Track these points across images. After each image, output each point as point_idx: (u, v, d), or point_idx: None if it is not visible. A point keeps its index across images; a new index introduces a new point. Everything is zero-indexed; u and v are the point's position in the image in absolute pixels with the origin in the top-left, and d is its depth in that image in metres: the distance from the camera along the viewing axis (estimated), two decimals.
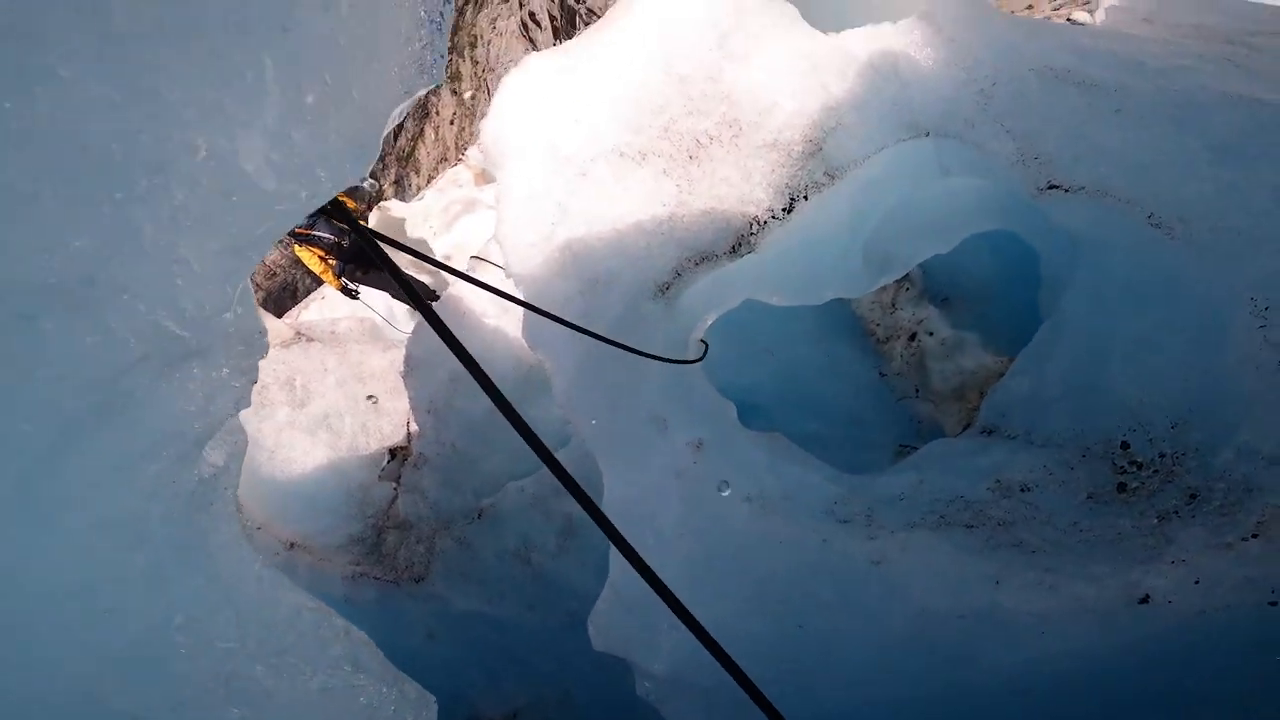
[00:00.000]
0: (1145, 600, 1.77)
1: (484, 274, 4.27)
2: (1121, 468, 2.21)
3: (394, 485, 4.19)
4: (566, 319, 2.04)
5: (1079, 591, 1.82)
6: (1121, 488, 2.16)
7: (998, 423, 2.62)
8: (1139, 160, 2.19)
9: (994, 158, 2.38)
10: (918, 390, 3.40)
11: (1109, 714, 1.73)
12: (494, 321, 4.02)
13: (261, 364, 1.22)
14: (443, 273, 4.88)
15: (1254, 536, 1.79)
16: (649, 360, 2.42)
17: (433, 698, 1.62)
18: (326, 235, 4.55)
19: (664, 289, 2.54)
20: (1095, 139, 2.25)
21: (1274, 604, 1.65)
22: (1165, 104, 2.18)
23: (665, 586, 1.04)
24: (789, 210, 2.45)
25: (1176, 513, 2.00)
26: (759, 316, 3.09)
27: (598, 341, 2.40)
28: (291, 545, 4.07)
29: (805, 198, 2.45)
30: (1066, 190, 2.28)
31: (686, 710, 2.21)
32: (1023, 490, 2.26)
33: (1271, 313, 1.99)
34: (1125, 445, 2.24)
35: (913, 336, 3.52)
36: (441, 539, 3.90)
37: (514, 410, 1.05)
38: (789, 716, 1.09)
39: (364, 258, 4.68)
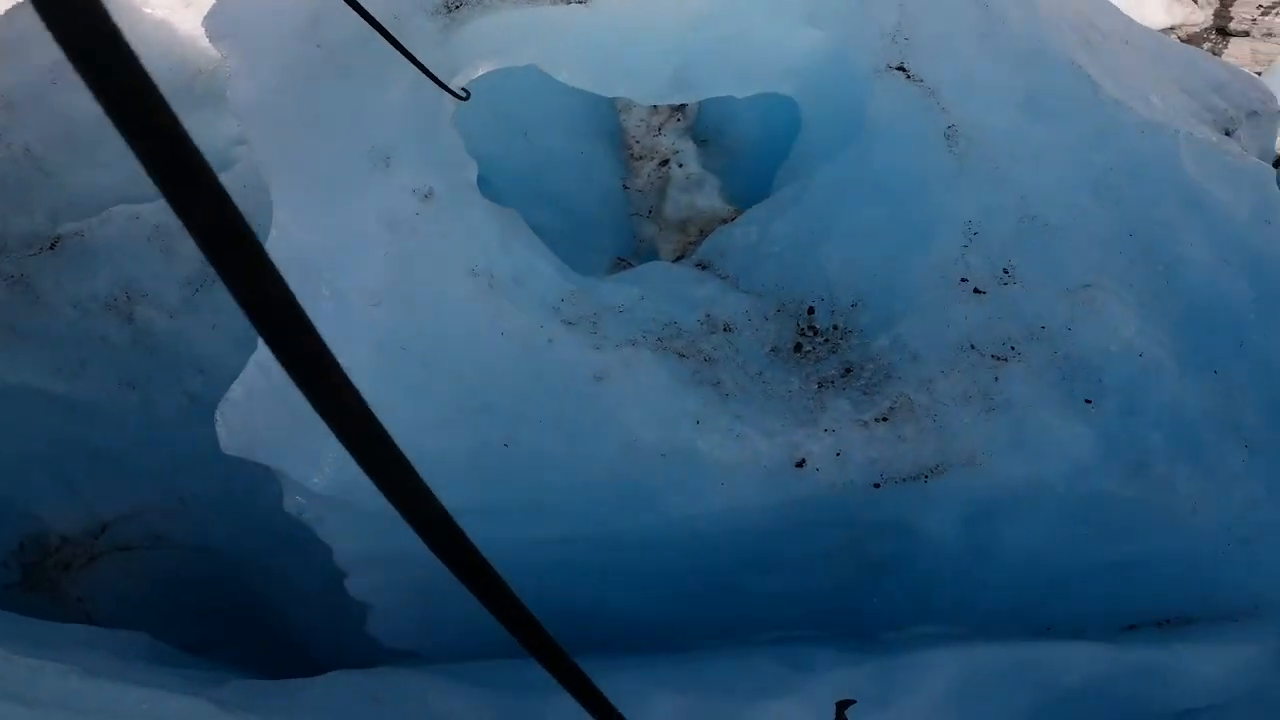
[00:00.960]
0: (801, 464, 1.98)
1: None
2: (803, 330, 2.38)
3: None
4: None
5: (757, 445, 1.95)
6: (798, 348, 2.34)
7: (714, 260, 2.60)
8: (975, 80, 2.27)
9: (870, 23, 2.27)
10: (650, 211, 3.58)
11: (750, 575, 1.97)
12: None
13: None
14: None
15: (884, 420, 2.12)
16: (386, 81, 1.94)
17: None
18: None
19: (453, 5, 2.01)
20: (961, 49, 2.28)
21: (877, 486, 2.01)
22: (1020, 44, 2.29)
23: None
24: None
25: (833, 382, 2.25)
26: (529, 89, 2.72)
27: (315, 45, 1.88)
28: None
29: None
30: (909, 77, 2.21)
31: (351, 531, 1.84)
32: (726, 329, 2.29)
33: (977, 238, 2.23)
34: (811, 310, 2.40)
35: (664, 163, 3.61)
36: None
37: None
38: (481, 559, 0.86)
39: None
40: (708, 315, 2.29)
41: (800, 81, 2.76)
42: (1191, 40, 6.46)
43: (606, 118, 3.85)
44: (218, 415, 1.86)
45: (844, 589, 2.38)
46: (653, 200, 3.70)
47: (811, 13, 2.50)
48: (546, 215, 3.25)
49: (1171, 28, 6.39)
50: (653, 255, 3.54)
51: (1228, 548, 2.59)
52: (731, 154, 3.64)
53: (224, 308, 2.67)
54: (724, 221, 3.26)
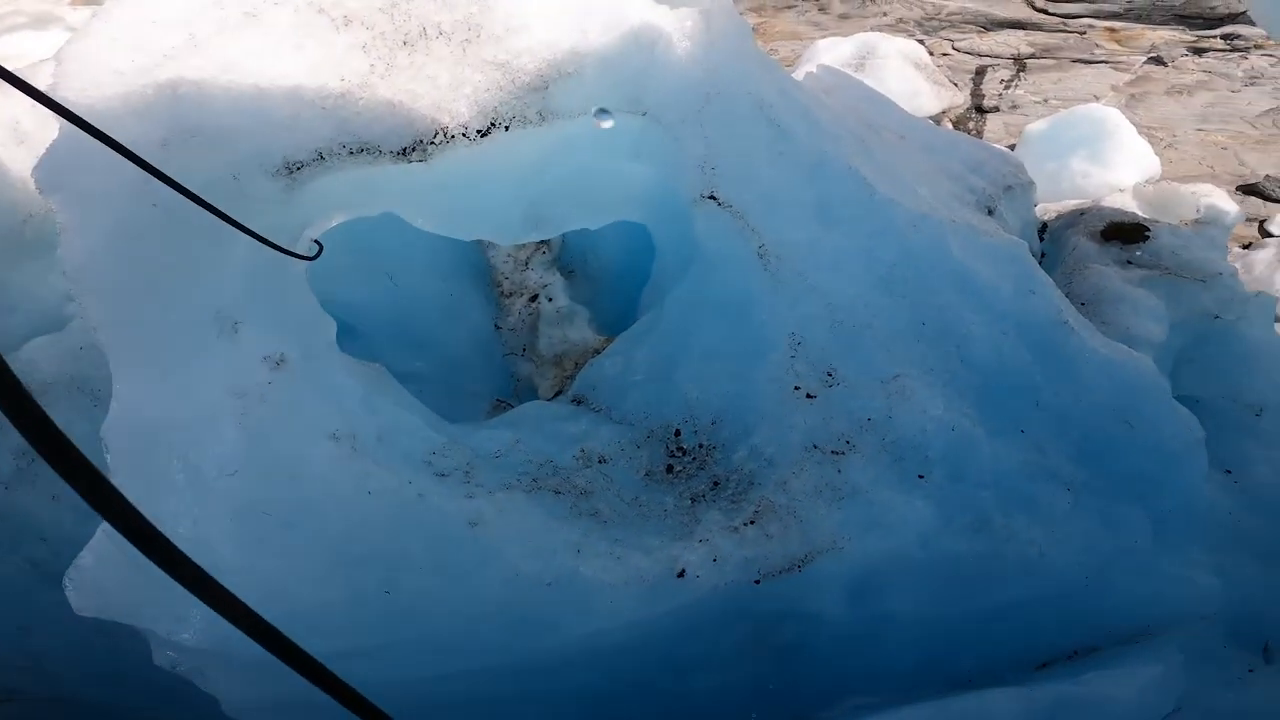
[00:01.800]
0: (682, 574, 2.17)
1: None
2: (672, 451, 2.65)
3: None
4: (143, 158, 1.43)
5: (638, 563, 2.14)
6: (670, 469, 2.60)
7: (587, 394, 2.87)
8: (775, 198, 2.62)
9: (684, 156, 2.54)
10: (524, 349, 3.52)
11: (652, 676, 2.09)
12: None
13: None
14: None
15: (752, 523, 2.37)
16: (228, 241, 1.90)
17: None
18: None
19: (294, 168, 2.02)
20: (760, 171, 2.61)
21: (758, 582, 2.23)
22: (806, 158, 2.67)
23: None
24: (484, 134, 2.18)
25: (704, 496, 2.50)
26: (388, 235, 2.79)
27: (152, 204, 1.78)
28: None
29: (506, 129, 2.21)
30: (720, 204, 2.59)
31: (231, 682, 1.83)
32: (601, 461, 2.53)
33: (801, 348, 2.62)
34: (678, 432, 2.70)
35: (534, 298, 3.63)
36: None
37: None
38: (367, 693, 0.99)
39: None
40: (583, 450, 2.52)
41: (646, 210, 3.00)
42: (959, 121, 7.49)
43: (473, 255, 3.83)
44: (67, 580, 1.81)
45: (764, 678, 2.49)
46: (526, 337, 3.66)
47: (636, 149, 2.73)
48: (418, 361, 3.28)
49: (942, 112, 7.39)
50: (531, 393, 3.54)
51: (1085, 580, 2.91)
52: (597, 283, 3.69)
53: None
54: (596, 352, 3.31)
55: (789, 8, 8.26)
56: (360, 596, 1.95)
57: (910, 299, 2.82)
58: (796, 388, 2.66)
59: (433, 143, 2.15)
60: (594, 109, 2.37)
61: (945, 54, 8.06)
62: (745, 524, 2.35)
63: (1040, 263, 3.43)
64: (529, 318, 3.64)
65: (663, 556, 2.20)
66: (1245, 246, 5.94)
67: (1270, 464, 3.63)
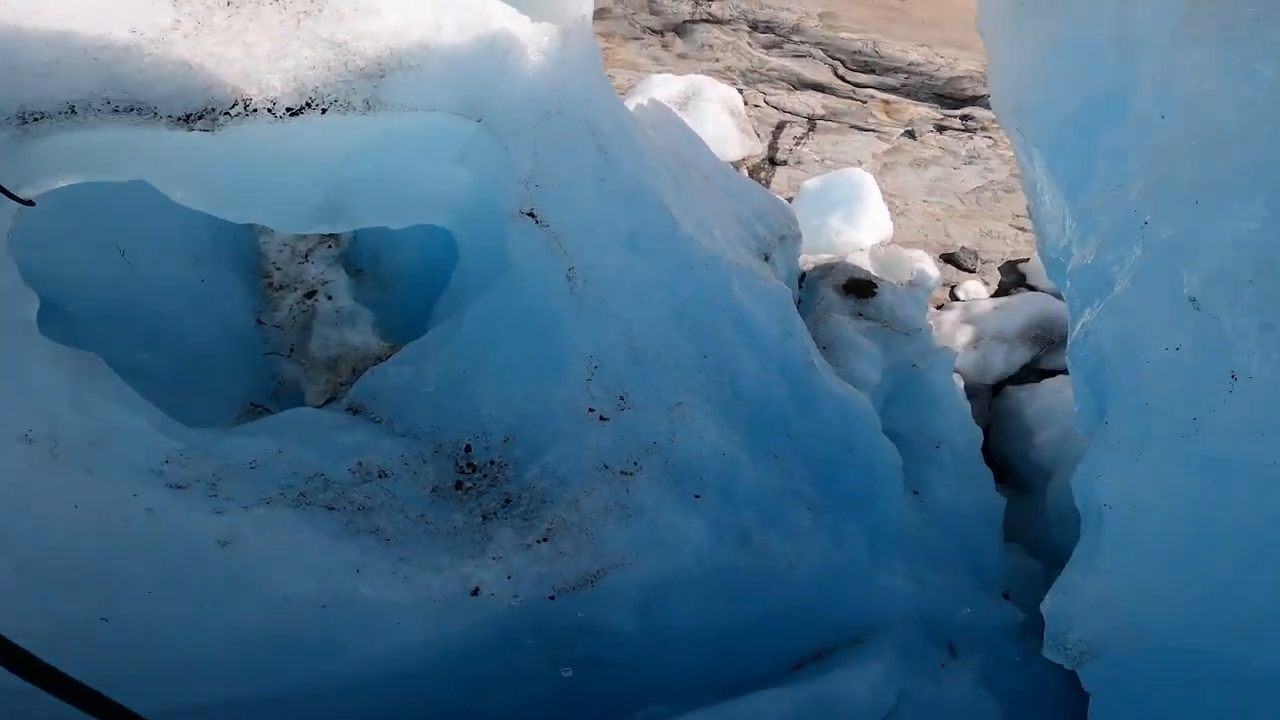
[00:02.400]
0: (476, 592, 2.08)
1: None
2: (462, 468, 2.55)
3: None
4: None
5: (428, 581, 2.01)
6: (459, 485, 2.50)
7: (366, 403, 2.64)
8: (591, 223, 2.67)
9: (511, 169, 2.48)
10: (292, 349, 3.10)
11: (452, 697, 1.94)
12: None
13: None
14: None
15: (544, 540, 2.36)
16: None
17: None
18: None
19: (30, 118, 1.65)
20: (582, 194, 2.63)
21: (552, 598, 2.22)
22: (626, 187, 2.77)
23: None
24: (295, 113, 1.91)
25: (495, 513, 2.44)
26: (125, 204, 2.36)
27: None
28: None
29: (323, 111, 1.97)
30: (538, 222, 2.56)
31: None
32: (381, 475, 2.34)
33: (598, 371, 2.70)
34: (468, 448, 2.61)
35: (311, 294, 3.25)
36: None
37: None
38: None
39: None
40: (360, 463, 2.32)
41: (457, 216, 2.90)
42: (754, 170, 8.26)
43: (241, 241, 3.44)
44: None
45: (563, 692, 2.48)
46: (295, 336, 3.32)
47: (463, 154, 2.66)
48: (149, 356, 2.83)
49: (743, 159, 8.05)
50: (297, 398, 3.23)
51: (823, 588, 3.35)
52: (387, 285, 3.44)
53: None
54: (379, 359, 3.07)
55: (635, 39, 8.54)
56: (66, 625, 1.59)
57: (697, 332, 3.07)
58: (591, 409, 2.73)
59: (228, 113, 1.88)
60: None
61: (757, 105, 8.84)
62: (538, 541, 2.34)
63: (798, 308, 3.92)
64: (301, 315, 3.27)
65: (455, 575, 2.10)
66: (939, 307, 7.35)
67: (945, 487, 4.52)
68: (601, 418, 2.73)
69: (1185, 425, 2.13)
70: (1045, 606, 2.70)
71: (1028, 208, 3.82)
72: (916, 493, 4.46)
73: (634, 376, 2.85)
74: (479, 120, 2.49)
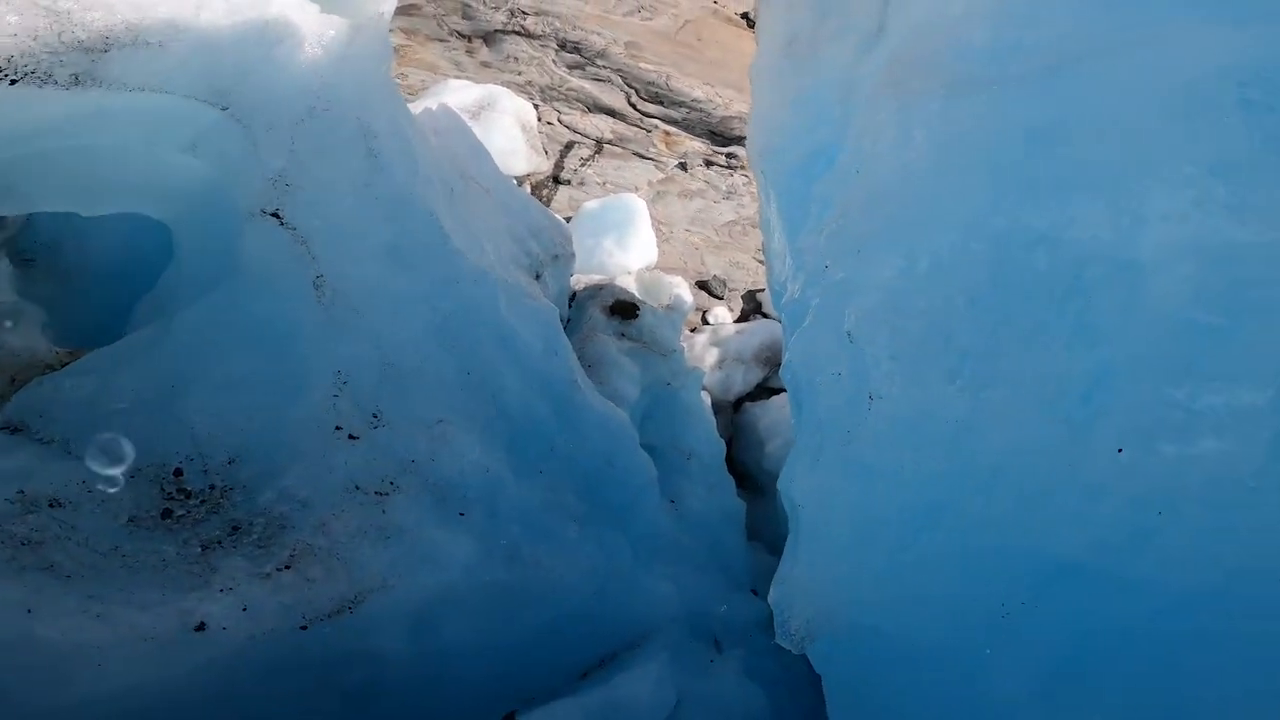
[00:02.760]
0: (201, 628, 1.76)
1: None
2: (170, 494, 2.18)
3: None
4: None
5: (132, 620, 1.66)
6: (167, 514, 2.13)
7: (30, 420, 2.14)
8: (348, 230, 2.51)
9: (258, 165, 2.26)
10: None
11: None
12: None
13: None
14: None
15: (287, 568, 2.09)
16: None
17: None
18: None
19: None
20: (340, 199, 2.46)
21: (304, 628, 1.95)
22: (393, 195, 2.64)
23: None
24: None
25: (219, 542, 2.12)
26: None
27: None
28: None
29: (12, 82, 1.63)
30: (283, 224, 2.30)
31: None
32: (53, 505, 1.91)
33: (347, 388, 2.49)
34: (179, 472, 2.23)
35: None
36: None
37: None
38: None
39: None
40: (22, 492, 1.88)
41: (177, 209, 2.56)
42: (536, 186, 8.24)
43: None
44: None
45: None
46: None
47: (195, 143, 2.38)
48: None
49: (527, 175, 7.94)
50: None
51: (594, 597, 3.39)
52: (67, 280, 2.89)
53: None
54: (49, 368, 2.54)
55: (440, 41, 8.00)
56: None
57: (460, 349, 2.99)
58: (339, 427, 2.51)
59: None
60: None
61: (550, 123, 8.80)
62: (279, 569, 2.08)
63: (566, 327, 3.99)
64: None
65: (170, 611, 1.78)
66: (692, 330, 7.94)
67: (695, 496, 4.89)
68: (351, 436, 2.53)
69: (843, 436, 2.50)
70: (770, 597, 2.99)
71: (763, 244, 4.33)
72: (673, 501, 4.77)
73: (389, 393, 2.69)
74: (224, 109, 2.22)
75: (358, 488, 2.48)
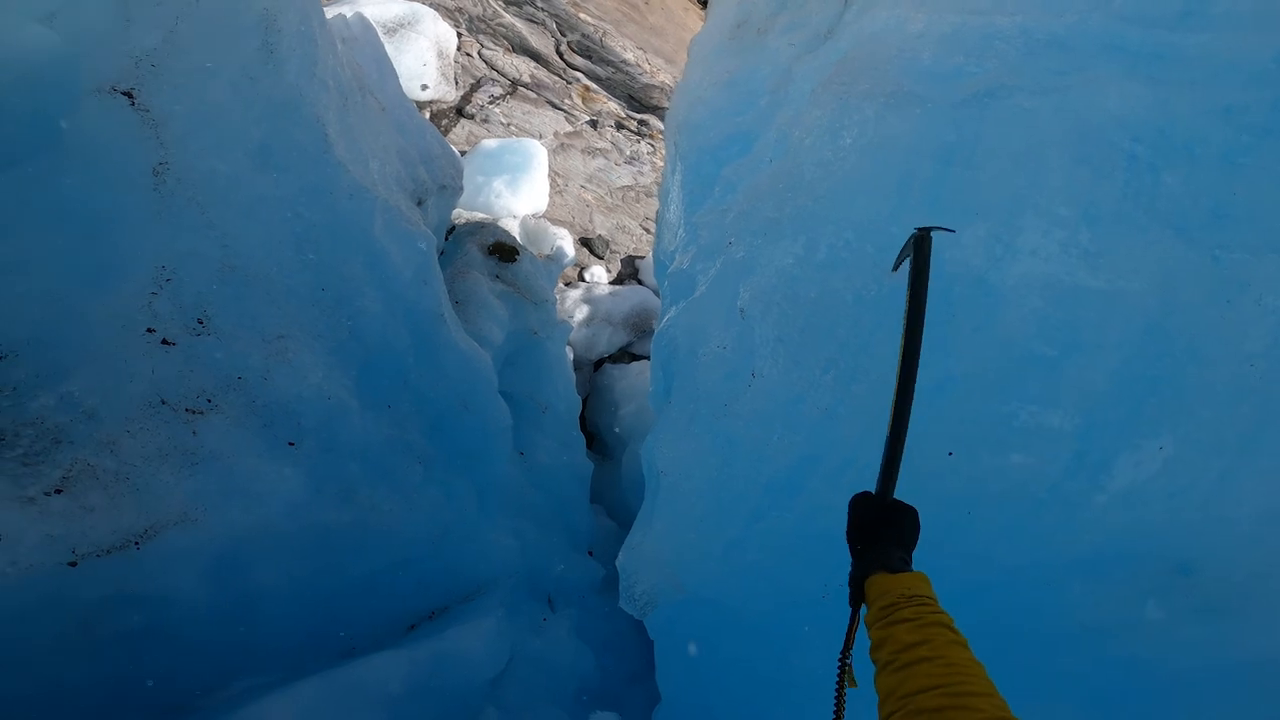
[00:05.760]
0: None
1: None
2: None
3: None
4: None
5: None
6: None
7: None
8: (214, 120, 2.16)
9: (121, 39, 1.94)
10: None
11: None
12: None
13: None
14: None
15: (59, 491, 1.72)
16: None
17: None
18: None
19: None
20: (215, 88, 2.14)
21: (73, 564, 1.60)
22: (278, 94, 2.21)
23: None
24: None
25: None
26: None
27: None
28: None
29: None
30: (134, 104, 1.94)
31: None
32: None
33: (170, 285, 2.09)
34: None
35: None
36: None
37: None
38: None
39: None
40: None
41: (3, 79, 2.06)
42: (437, 115, 7.77)
43: None
44: None
45: (118, 671, 1.83)
46: None
47: (56, 12, 1.94)
48: None
49: (431, 102, 7.55)
50: None
51: (432, 546, 3.19)
52: None
53: None
54: None
55: None
56: None
57: (320, 263, 2.64)
58: (151, 330, 2.12)
59: None
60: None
61: (469, 54, 8.17)
62: (48, 493, 1.70)
63: (440, 259, 3.70)
64: None
65: None
66: (566, 284, 7.78)
67: (547, 450, 4.78)
68: (166, 341, 2.14)
69: (720, 409, 2.52)
70: (619, 561, 2.99)
71: (658, 213, 4.27)
72: (522, 453, 4.63)
73: (224, 298, 2.31)
74: None
75: (164, 402, 2.12)
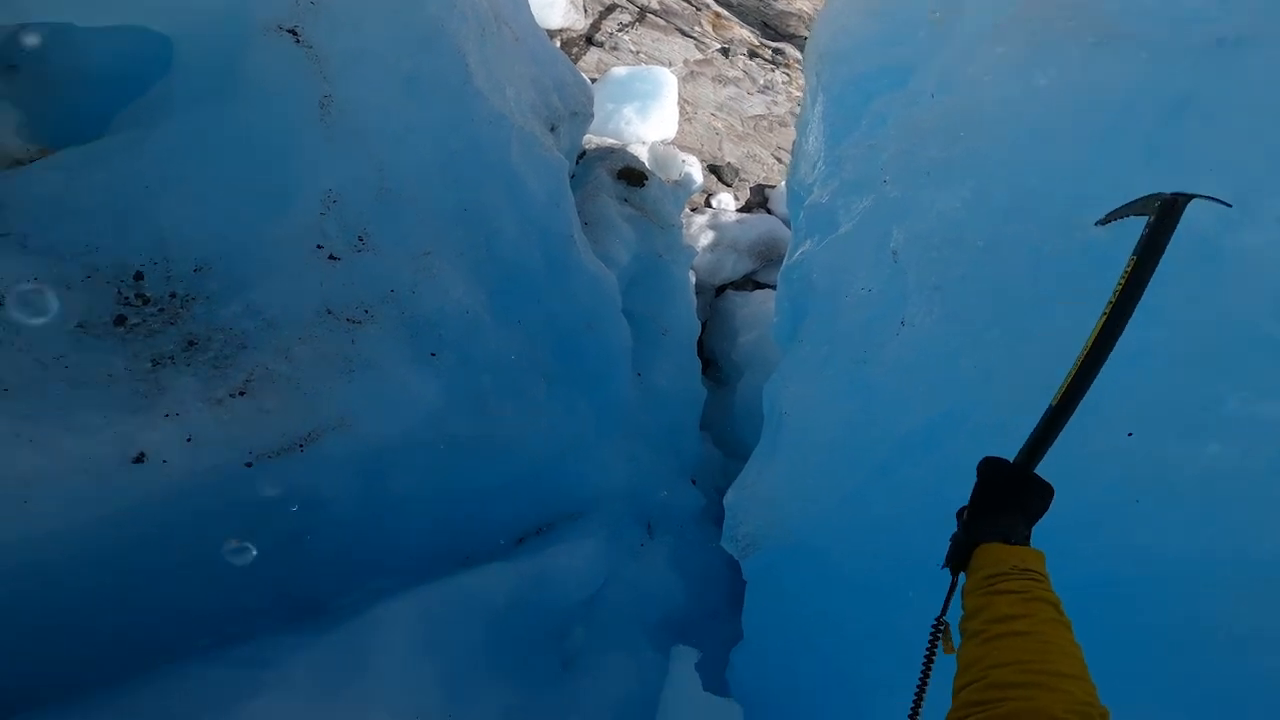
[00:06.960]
0: (140, 459, 1.60)
1: None
2: (127, 299, 1.93)
3: None
4: None
5: (69, 447, 1.48)
6: (120, 320, 1.89)
7: None
8: (367, 55, 2.18)
9: None
10: None
11: (108, 590, 1.46)
12: None
13: None
14: None
15: (241, 394, 1.92)
16: None
17: None
18: None
19: None
20: (367, 24, 1.98)
21: (250, 465, 1.80)
22: (422, 27, 2.16)
23: None
24: None
25: (172, 359, 1.91)
26: None
27: None
28: None
29: None
30: (299, 41, 2.04)
31: None
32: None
33: (336, 207, 2.23)
34: (140, 275, 1.98)
35: None
36: None
37: None
38: None
39: None
40: None
41: (184, 22, 2.24)
42: (568, 43, 7.79)
43: None
44: None
45: (268, 571, 2.12)
46: None
47: None
48: None
49: (560, 30, 7.61)
50: None
51: (551, 462, 3.34)
52: (55, 88, 2.56)
53: None
54: (18, 163, 2.27)
55: None
56: None
57: (461, 186, 2.74)
58: (320, 246, 2.26)
59: None
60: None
61: None
62: (233, 395, 1.90)
63: (570, 183, 3.70)
64: None
65: (109, 437, 1.60)
66: (693, 210, 7.69)
67: (664, 373, 4.82)
68: (332, 256, 2.28)
69: (859, 355, 2.40)
70: (726, 499, 2.98)
71: (794, 143, 4.02)
72: (640, 374, 4.69)
73: (380, 217, 2.42)
74: None
75: (330, 312, 2.28)
